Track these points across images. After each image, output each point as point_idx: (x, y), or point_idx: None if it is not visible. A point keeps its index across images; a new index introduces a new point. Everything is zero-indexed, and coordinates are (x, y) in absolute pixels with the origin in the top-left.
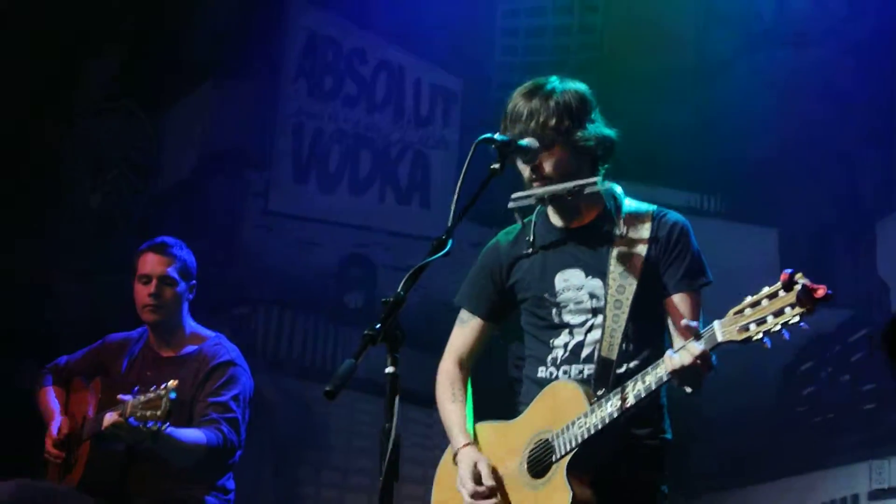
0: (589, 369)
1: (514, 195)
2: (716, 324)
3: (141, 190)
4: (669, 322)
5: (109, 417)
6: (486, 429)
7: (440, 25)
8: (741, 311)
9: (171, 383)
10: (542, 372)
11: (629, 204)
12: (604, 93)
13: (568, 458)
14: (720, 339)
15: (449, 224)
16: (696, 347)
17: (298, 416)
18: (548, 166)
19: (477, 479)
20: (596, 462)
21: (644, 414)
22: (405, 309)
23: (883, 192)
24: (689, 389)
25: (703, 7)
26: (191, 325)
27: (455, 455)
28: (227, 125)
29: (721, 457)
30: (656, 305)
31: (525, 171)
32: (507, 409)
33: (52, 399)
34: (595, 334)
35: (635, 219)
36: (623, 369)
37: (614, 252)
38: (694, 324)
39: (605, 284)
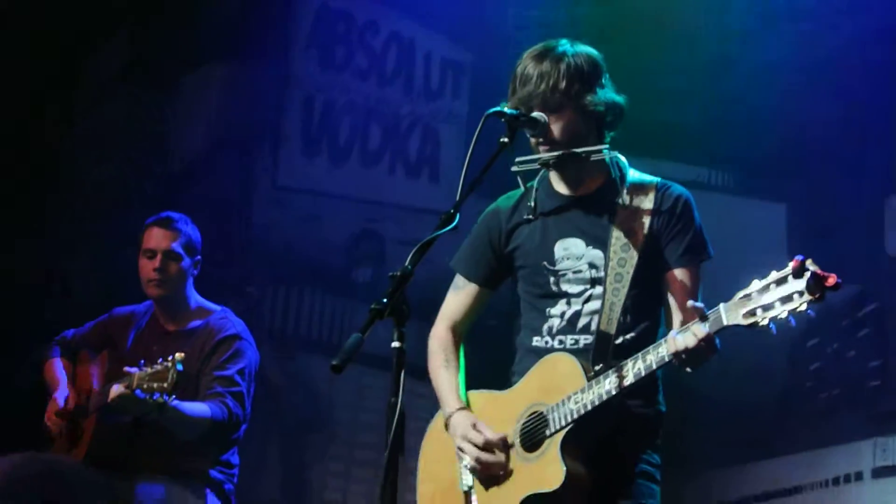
0: (585, 340)
1: (518, 159)
2: (722, 307)
3: (155, 164)
4: (668, 295)
5: (116, 389)
6: (479, 397)
7: None
8: (748, 295)
9: (178, 355)
10: (537, 341)
11: (633, 175)
12: (614, 62)
13: (563, 433)
14: (726, 322)
15: (457, 198)
16: (701, 330)
17: (305, 391)
18: (556, 130)
19: (479, 433)
20: (590, 437)
21: (639, 386)
22: (412, 283)
23: (892, 166)
24: (689, 369)
25: None
26: (196, 299)
27: (447, 420)
28: (237, 100)
29: (726, 432)
30: (656, 278)
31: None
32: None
33: (59, 369)
34: (593, 305)
35: (639, 190)
36: (620, 341)
37: (616, 223)
38: (700, 305)
39: (606, 256)
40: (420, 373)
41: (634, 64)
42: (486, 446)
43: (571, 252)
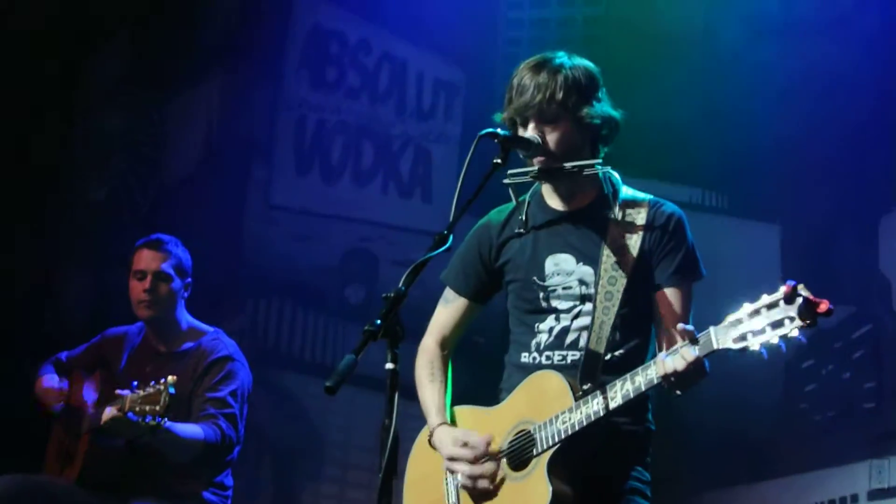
0: (573, 356)
1: (510, 171)
2: (712, 330)
3: (148, 183)
4: (658, 314)
5: (108, 412)
6: (465, 413)
7: (444, 18)
8: (739, 319)
9: (171, 378)
10: (525, 357)
11: (626, 191)
12: (607, 85)
13: (549, 453)
14: (716, 346)
15: (450, 219)
16: (691, 353)
17: (298, 412)
18: (551, 141)
19: (465, 444)
20: (577, 457)
21: (628, 403)
22: (406, 304)
23: (886, 187)
24: (678, 392)
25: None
26: (188, 320)
27: (431, 435)
28: (230, 118)
29: (720, 454)
30: (647, 296)
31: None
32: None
33: (50, 381)
34: (581, 321)
35: (631, 207)
36: (609, 357)
37: (608, 240)
38: (690, 328)
39: (597, 273)
40: (414, 394)
41: (627, 84)
42: (476, 459)
43: (562, 268)
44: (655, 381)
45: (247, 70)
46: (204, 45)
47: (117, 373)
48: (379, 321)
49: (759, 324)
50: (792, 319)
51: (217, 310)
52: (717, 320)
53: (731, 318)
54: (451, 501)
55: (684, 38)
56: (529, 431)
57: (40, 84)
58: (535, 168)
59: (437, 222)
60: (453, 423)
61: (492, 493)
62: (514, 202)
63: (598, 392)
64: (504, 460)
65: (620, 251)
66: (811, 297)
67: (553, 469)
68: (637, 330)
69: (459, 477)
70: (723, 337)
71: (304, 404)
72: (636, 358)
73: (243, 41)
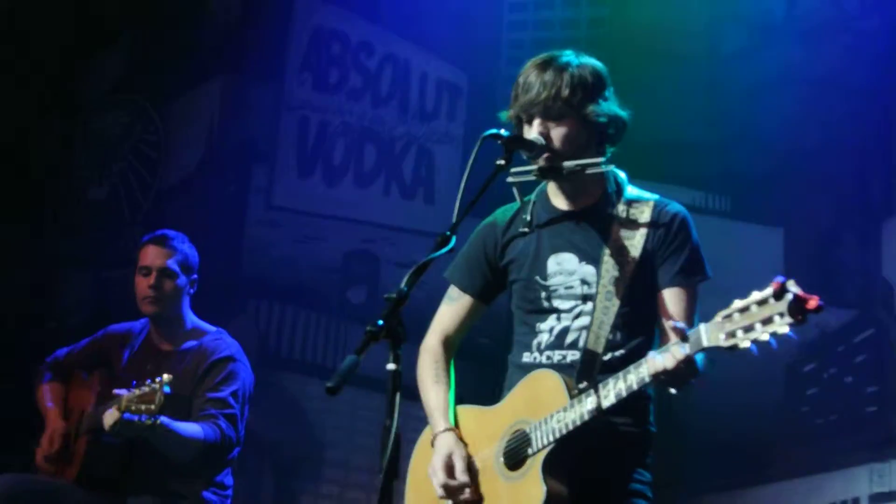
0: (572, 355)
1: (513, 170)
2: (702, 327)
3: (149, 182)
4: (662, 314)
5: (109, 414)
6: (467, 413)
7: (447, 19)
8: (729, 315)
9: (166, 377)
10: (526, 357)
11: (631, 191)
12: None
13: (544, 452)
14: (705, 343)
15: (453, 220)
16: (680, 351)
17: (299, 413)
18: (556, 138)
19: (450, 472)
20: (573, 456)
21: (627, 404)
22: (408, 305)
23: (889, 192)
24: (672, 390)
25: (714, 4)
26: (192, 319)
27: (433, 439)
28: (232, 119)
29: (721, 457)
30: (650, 296)
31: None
32: None
33: (49, 399)
34: (582, 321)
35: (636, 206)
36: (609, 357)
37: (611, 239)
38: (681, 325)
39: (598, 272)
40: (415, 395)
41: (629, 87)
42: (445, 487)
43: (564, 267)
44: (647, 380)
45: (248, 71)
46: (205, 45)
47: (118, 370)
48: (381, 322)
49: (748, 320)
50: (782, 316)
51: (218, 310)
52: None
53: (721, 314)
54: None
55: (688, 41)
56: (525, 431)
57: (41, 84)
58: (538, 166)
59: (439, 224)
60: (456, 423)
61: (486, 492)
62: (518, 202)
63: (591, 391)
64: (501, 460)
65: (623, 250)
66: (801, 293)
67: (548, 469)
68: (639, 330)
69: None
70: (713, 334)
71: (304, 405)
72: (638, 358)
73: (245, 42)
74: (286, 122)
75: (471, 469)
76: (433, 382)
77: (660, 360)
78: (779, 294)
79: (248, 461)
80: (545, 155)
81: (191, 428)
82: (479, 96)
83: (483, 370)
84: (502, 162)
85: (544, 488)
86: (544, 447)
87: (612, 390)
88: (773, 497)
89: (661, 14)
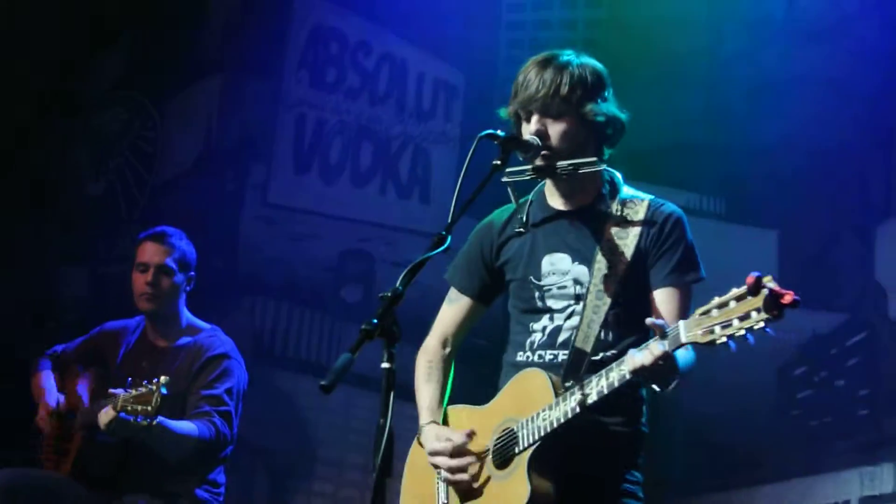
0: (563, 355)
1: (508, 170)
2: (681, 323)
3: (146, 179)
4: (655, 314)
5: (105, 413)
6: (459, 412)
7: (445, 19)
8: (707, 311)
9: (163, 378)
10: (520, 356)
11: (627, 191)
12: None
13: (530, 451)
14: (684, 339)
15: (449, 220)
16: (658, 347)
17: (293, 410)
18: (554, 136)
19: (452, 449)
20: (559, 454)
21: (619, 404)
22: (403, 304)
23: (885, 195)
24: (655, 388)
25: (713, 3)
26: (187, 316)
27: (419, 434)
28: (230, 116)
29: (713, 459)
30: (642, 296)
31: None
32: None
33: (47, 380)
34: (574, 321)
35: (631, 206)
36: (600, 357)
37: (604, 239)
38: (660, 322)
39: (591, 272)
40: (409, 394)
41: (626, 88)
42: (455, 452)
43: (558, 267)
44: (628, 377)
45: (247, 68)
46: (204, 43)
47: (113, 367)
48: (375, 320)
49: (726, 317)
50: (758, 311)
51: (213, 307)
52: None
53: (700, 311)
54: (440, 499)
55: (685, 43)
56: (513, 429)
57: (40, 81)
58: (531, 166)
59: (435, 223)
60: (446, 422)
61: (476, 491)
62: (514, 203)
63: (576, 389)
64: (490, 458)
65: (616, 250)
66: (776, 288)
67: (533, 467)
68: (632, 330)
69: (442, 472)
70: (692, 331)
71: (299, 403)
72: None
73: (244, 39)
74: (283, 119)
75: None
76: (424, 381)
77: (639, 357)
78: (754, 289)
79: (241, 459)
80: (542, 153)
81: (186, 426)
82: (476, 96)
83: (480, 371)
84: (498, 162)
85: (529, 487)
86: (530, 445)
87: (595, 388)
88: (765, 499)
89: (659, 15)
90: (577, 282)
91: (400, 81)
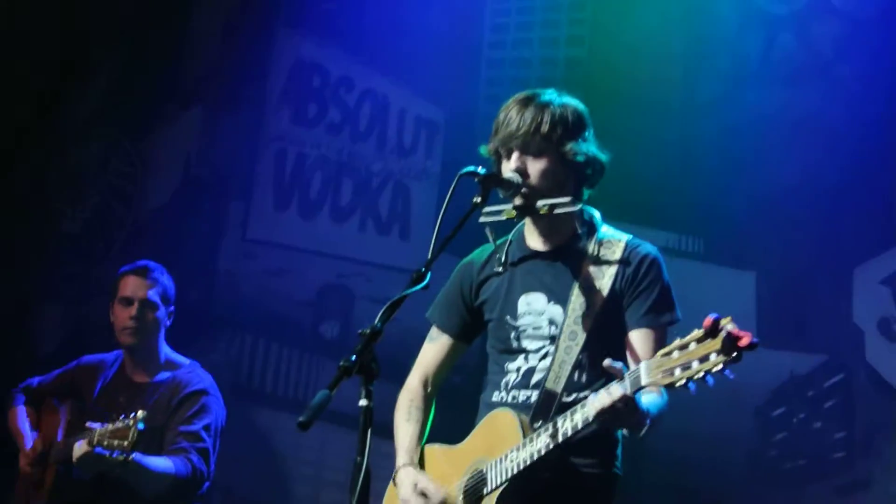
0: (536, 396)
1: (485, 210)
2: (642, 365)
3: (123, 215)
4: (629, 356)
5: (79, 446)
6: (434, 451)
7: (426, 57)
8: (669, 353)
9: (140, 413)
10: (495, 396)
11: (606, 230)
12: None
13: (498, 492)
14: (644, 381)
15: (429, 256)
16: (618, 390)
17: (269, 447)
18: (534, 174)
19: (422, 494)
20: (529, 495)
21: (593, 445)
22: (381, 341)
23: (862, 237)
24: (624, 432)
25: (691, 45)
26: (166, 351)
27: (395, 474)
28: (210, 151)
29: (690, 499)
30: (616, 337)
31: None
32: None
33: (22, 419)
34: (547, 362)
35: (608, 247)
36: (572, 398)
37: (580, 279)
38: (618, 364)
39: (565, 312)
40: (386, 432)
41: (605, 127)
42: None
43: (533, 307)
44: (591, 419)
45: (227, 103)
46: (184, 77)
47: (90, 401)
48: (354, 357)
49: (686, 359)
50: (717, 353)
51: (190, 343)
52: None
53: (661, 352)
54: None
55: (664, 84)
56: (482, 470)
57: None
58: (510, 206)
59: (414, 260)
60: (422, 460)
61: None
62: (492, 244)
63: (542, 430)
64: (461, 498)
65: (591, 290)
66: (734, 330)
67: None
68: (605, 371)
69: None
70: (652, 372)
71: (275, 439)
72: None
73: (224, 73)
74: (263, 154)
75: (441, 489)
76: (404, 420)
77: (597, 399)
78: (712, 332)
79: (216, 495)
80: (522, 191)
81: (162, 463)
82: (457, 133)
83: (455, 408)
84: (478, 199)
85: None
86: (498, 487)
87: (560, 429)
88: None
89: (638, 55)
90: (551, 322)
91: (381, 117)
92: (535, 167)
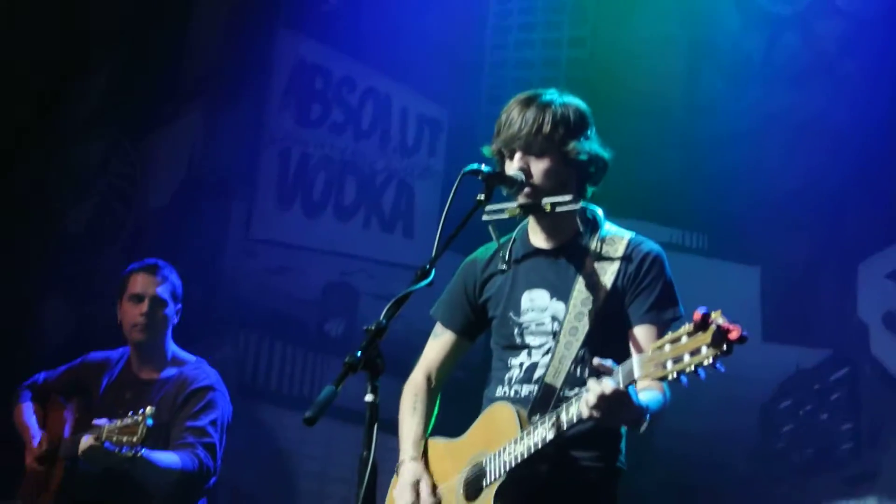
0: (536, 390)
1: (488, 208)
2: (634, 358)
3: (127, 214)
4: (632, 352)
5: (86, 441)
6: (437, 445)
7: (428, 56)
8: (661, 346)
9: (149, 409)
10: (498, 391)
11: (609, 228)
12: None
13: (496, 484)
14: (637, 374)
15: (433, 254)
16: (609, 384)
17: (275, 443)
18: (536, 174)
19: (416, 495)
20: (529, 488)
21: (596, 439)
22: (386, 338)
23: (865, 233)
24: (614, 426)
25: (693, 45)
26: (172, 348)
27: (398, 466)
28: (213, 150)
29: (697, 491)
30: (617, 334)
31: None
32: None
33: (29, 415)
34: (549, 357)
35: (610, 244)
36: (572, 393)
37: (582, 276)
38: (608, 362)
39: (567, 308)
40: (392, 427)
41: (608, 126)
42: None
43: (536, 304)
44: (585, 414)
45: (230, 103)
46: (186, 77)
47: (96, 398)
48: (359, 353)
49: (678, 352)
50: (708, 346)
51: (195, 341)
52: None
53: (654, 345)
54: None
55: (666, 83)
56: (482, 463)
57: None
58: (512, 204)
59: (418, 257)
60: (425, 453)
61: None
62: (495, 242)
63: (540, 424)
64: (461, 491)
65: (593, 287)
66: (724, 324)
67: (499, 501)
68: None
69: None
70: (644, 365)
71: (281, 435)
72: None
73: (226, 74)
74: (267, 154)
75: (435, 496)
76: (409, 414)
77: (589, 393)
78: (702, 325)
79: (222, 490)
80: (525, 190)
81: (169, 458)
82: (460, 132)
83: (459, 403)
84: (482, 197)
85: None
86: (496, 479)
87: (557, 423)
88: None
89: (640, 55)
90: (554, 318)
91: (384, 117)
92: (538, 167)
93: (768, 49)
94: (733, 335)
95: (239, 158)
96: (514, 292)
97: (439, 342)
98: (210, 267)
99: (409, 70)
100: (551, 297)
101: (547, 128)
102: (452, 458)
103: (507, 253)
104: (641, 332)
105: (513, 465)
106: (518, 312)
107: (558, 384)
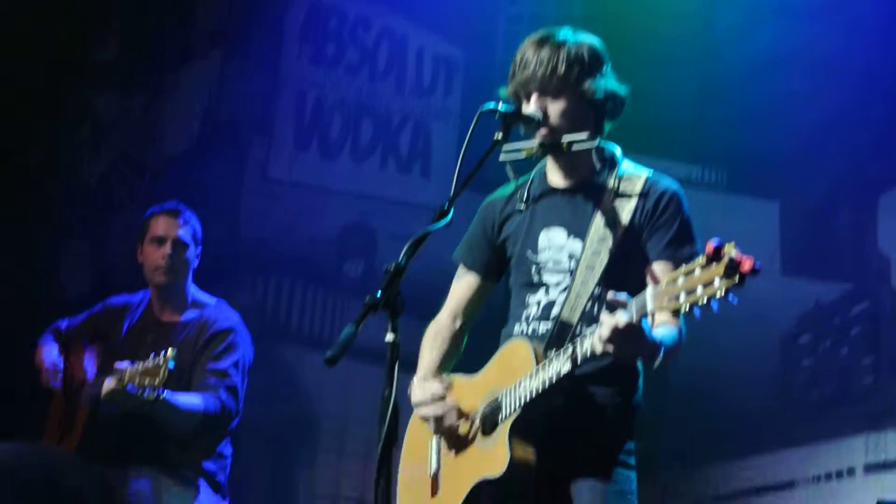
0: (551, 326)
1: (504, 148)
2: (648, 291)
3: (145, 159)
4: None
5: (108, 384)
6: (455, 381)
7: None
8: (675, 279)
9: (171, 352)
10: (516, 328)
11: (626, 166)
12: None
13: (511, 419)
14: (650, 307)
15: (451, 193)
16: (622, 317)
17: (296, 384)
18: (553, 115)
19: (434, 398)
20: (542, 423)
21: (611, 375)
22: (405, 277)
23: (886, 165)
24: (629, 361)
25: None
26: (193, 291)
27: (409, 388)
28: (229, 94)
29: (720, 428)
30: (634, 271)
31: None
32: None
33: (48, 353)
34: (566, 295)
35: (628, 182)
36: (590, 330)
37: (599, 213)
38: (622, 296)
39: (583, 246)
40: (413, 367)
41: (625, 60)
42: (433, 398)
43: (553, 242)
44: (599, 348)
45: (245, 46)
46: (202, 21)
47: (117, 342)
48: (379, 293)
49: (691, 284)
50: (721, 278)
51: (215, 283)
52: None
53: (667, 278)
54: (431, 464)
55: (683, 17)
56: (498, 398)
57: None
58: (530, 143)
59: (436, 197)
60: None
61: (463, 455)
62: (513, 181)
63: (555, 359)
64: (479, 424)
65: (610, 224)
66: (736, 255)
67: (515, 434)
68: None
69: (431, 421)
70: (658, 298)
71: (302, 376)
72: None
73: (242, 17)
74: (283, 96)
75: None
76: (428, 349)
77: (603, 326)
78: (715, 257)
79: (245, 431)
80: (542, 131)
81: (192, 400)
82: (476, 72)
83: (478, 342)
84: (499, 136)
85: (508, 454)
86: (512, 414)
87: (571, 357)
88: (769, 466)
89: None
90: (571, 256)
91: (400, 57)
92: (555, 108)
93: None
94: (745, 267)
95: (255, 101)
96: (531, 231)
97: (462, 284)
98: (228, 210)
99: (423, 8)
100: (568, 236)
101: (562, 68)
102: (470, 393)
103: (525, 192)
104: (658, 269)
105: (528, 399)
106: (535, 251)
107: (574, 321)
